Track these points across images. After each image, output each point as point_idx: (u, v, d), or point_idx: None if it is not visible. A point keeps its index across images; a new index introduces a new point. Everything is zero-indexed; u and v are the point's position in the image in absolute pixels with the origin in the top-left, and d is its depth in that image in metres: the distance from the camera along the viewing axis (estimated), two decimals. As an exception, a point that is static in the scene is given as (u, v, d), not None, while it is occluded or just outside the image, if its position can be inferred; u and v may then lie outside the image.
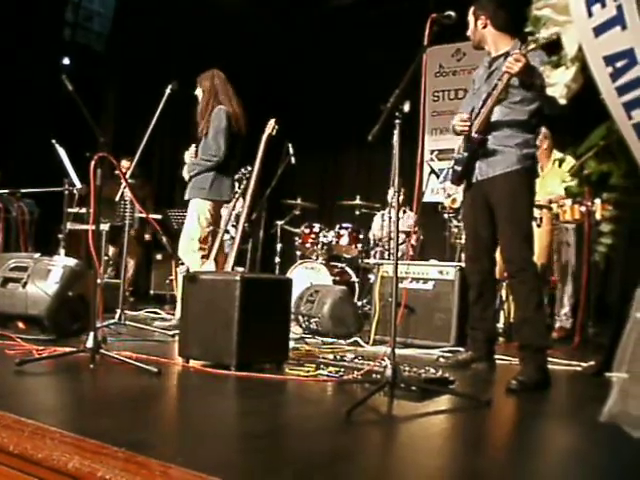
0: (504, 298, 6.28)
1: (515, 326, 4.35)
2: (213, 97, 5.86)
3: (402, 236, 7.86)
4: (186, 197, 5.89)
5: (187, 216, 5.84)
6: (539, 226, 6.21)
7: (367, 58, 10.43)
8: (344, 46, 10.68)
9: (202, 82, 5.93)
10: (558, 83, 1.96)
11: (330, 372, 3.77)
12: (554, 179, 6.53)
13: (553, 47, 2.05)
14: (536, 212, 5.90)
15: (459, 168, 4.31)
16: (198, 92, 5.94)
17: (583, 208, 5.86)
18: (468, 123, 4.19)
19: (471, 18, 4.28)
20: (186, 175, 5.90)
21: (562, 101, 1.97)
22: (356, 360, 4.07)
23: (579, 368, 4.59)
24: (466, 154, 4.23)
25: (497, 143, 4.10)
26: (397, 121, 3.39)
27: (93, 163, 3.67)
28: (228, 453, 2.26)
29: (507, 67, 3.78)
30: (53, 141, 6.34)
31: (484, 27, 4.22)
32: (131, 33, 10.65)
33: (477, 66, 4.56)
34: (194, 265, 5.53)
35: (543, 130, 6.28)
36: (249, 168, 7.48)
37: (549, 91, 2.00)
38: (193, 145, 5.95)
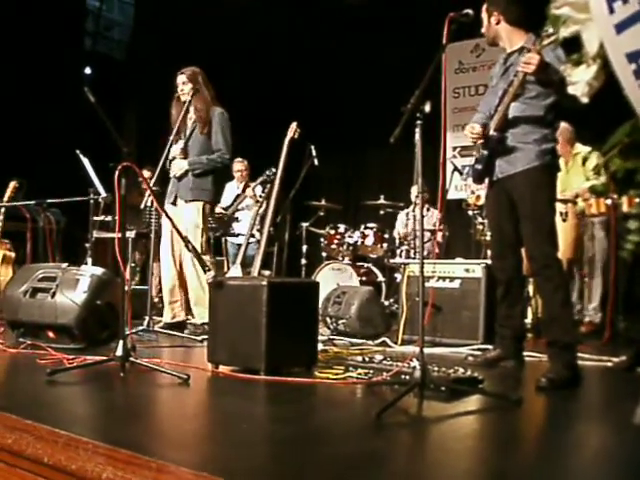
0: (531, 294, 6.23)
1: (542, 323, 4.32)
2: (209, 95, 5.85)
3: (427, 234, 7.83)
4: (187, 198, 5.79)
5: (187, 218, 5.76)
6: (565, 220, 6.16)
7: (387, 57, 10.39)
8: (364, 46, 10.66)
9: (194, 77, 5.84)
10: (580, 81, 1.94)
11: (359, 374, 3.76)
12: (578, 175, 6.48)
13: (568, 43, 2.03)
14: (561, 206, 5.85)
15: (480, 167, 4.30)
16: (186, 87, 5.82)
17: (609, 201, 5.81)
18: (478, 137, 4.20)
19: (484, 15, 4.25)
20: (177, 172, 5.83)
21: (584, 99, 1.95)
22: (385, 361, 4.06)
23: (610, 364, 4.55)
24: (486, 152, 4.21)
25: (515, 140, 4.08)
26: (418, 122, 3.38)
27: (117, 173, 3.70)
28: (260, 460, 2.25)
29: (522, 67, 3.77)
30: (77, 151, 6.40)
31: (497, 23, 4.19)
32: (151, 41, 10.72)
33: (496, 61, 4.54)
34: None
35: (563, 124, 6.23)
36: (273, 170, 7.50)
37: (570, 90, 1.98)
38: (181, 141, 5.88)
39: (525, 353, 4.56)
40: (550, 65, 3.71)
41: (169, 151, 5.77)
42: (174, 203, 5.88)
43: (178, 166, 5.82)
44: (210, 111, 5.81)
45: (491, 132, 4.13)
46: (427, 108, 3.36)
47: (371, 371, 3.83)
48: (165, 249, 5.85)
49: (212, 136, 5.82)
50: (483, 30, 4.29)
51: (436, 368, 3.67)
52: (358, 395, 3.47)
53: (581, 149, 6.64)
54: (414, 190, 7.84)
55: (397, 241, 8.34)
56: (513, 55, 4.18)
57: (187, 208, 5.79)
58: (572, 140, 6.73)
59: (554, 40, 3.25)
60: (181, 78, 5.84)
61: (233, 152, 6.00)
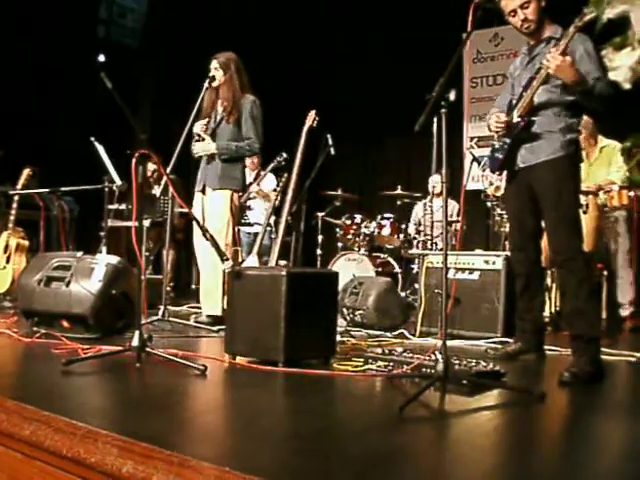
0: (549, 287, 6.16)
1: (566, 317, 4.24)
2: (239, 83, 5.71)
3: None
4: (215, 186, 5.67)
5: (214, 207, 5.66)
6: (585, 212, 6.07)
7: (405, 46, 10.29)
8: (383, 34, 10.57)
9: (226, 64, 5.70)
10: (621, 66, 1.87)
11: (379, 367, 3.71)
12: (601, 168, 6.39)
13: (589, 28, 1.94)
14: (582, 198, 5.77)
15: (501, 156, 4.21)
16: (218, 73, 5.69)
17: (632, 193, 5.73)
18: (503, 126, 4.09)
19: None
20: (201, 152, 5.72)
21: (626, 85, 1.89)
22: (405, 354, 4.00)
23: (633, 359, 4.46)
24: (508, 141, 4.12)
25: (540, 128, 4.00)
26: (443, 110, 3.30)
27: (134, 160, 3.63)
28: (282, 454, 2.21)
29: (547, 62, 3.71)
30: (92, 139, 6.34)
31: (544, 8, 4.01)
32: (165, 27, 10.65)
33: (516, 51, 4.47)
34: (216, 261, 5.44)
35: (586, 117, 6.14)
36: (284, 155, 7.42)
37: (611, 75, 1.92)
38: (204, 120, 5.74)
39: (545, 346, 4.49)
40: (580, 74, 3.68)
41: (190, 133, 5.63)
42: (203, 191, 5.78)
43: (203, 147, 5.70)
44: (239, 99, 5.68)
45: (515, 119, 4.04)
46: (452, 96, 3.30)
47: (391, 364, 3.77)
48: (198, 240, 5.71)
49: (242, 124, 5.69)
50: (531, 16, 3.99)
51: (457, 361, 3.61)
52: (378, 388, 3.41)
53: (606, 142, 6.56)
54: (431, 180, 7.76)
55: (414, 231, 8.26)
56: (539, 45, 4.07)
57: (215, 196, 5.68)
58: (595, 133, 6.65)
59: (590, 19, 3.16)
60: (213, 64, 5.71)
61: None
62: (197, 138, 5.69)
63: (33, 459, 2.25)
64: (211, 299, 5.58)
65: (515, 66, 4.32)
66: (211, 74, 5.68)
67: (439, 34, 8.18)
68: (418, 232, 8.15)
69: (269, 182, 8.40)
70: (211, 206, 5.65)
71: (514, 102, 4.15)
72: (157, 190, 7.30)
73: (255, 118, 5.66)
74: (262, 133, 5.69)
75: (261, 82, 5.99)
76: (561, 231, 3.90)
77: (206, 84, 5.62)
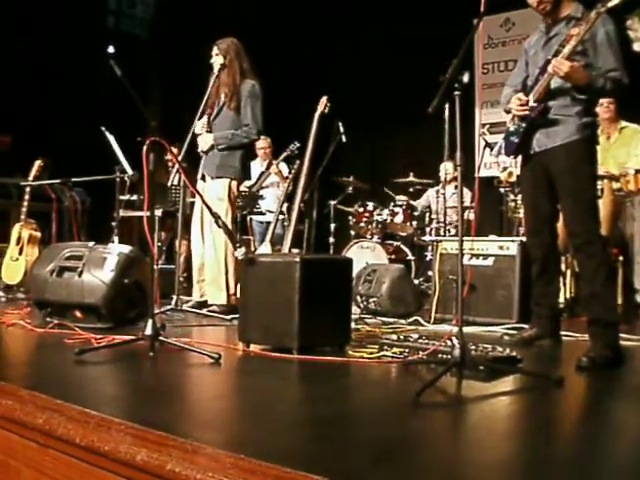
0: (564, 272, 6.11)
1: (583, 301, 4.20)
2: (239, 68, 5.67)
3: (455, 212, 7.71)
4: (213, 174, 5.67)
5: (212, 194, 5.60)
6: (600, 197, 6.01)
7: (416, 33, 10.21)
8: (394, 22, 10.49)
9: (226, 49, 5.66)
10: (646, 36, 1.82)
11: (394, 353, 3.67)
12: (621, 148, 6.33)
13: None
14: (598, 182, 5.72)
15: (516, 140, 4.15)
16: (218, 59, 5.64)
17: (649, 177, 5.66)
18: (527, 107, 4.02)
19: None
20: (204, 146, 5.69)
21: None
22: (420, 340, 3.96)
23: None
24: (524, 124, 4.07)
25: (556, 112, 3.94)
26: (457, 93, 3.25)
27: (145, 148, 3.60)
28: (298, 441, 2.19)
29: (553, 68, 3.72)
30: (102, 128, 6.32)
31: None
32: (174, 18, 10.62)
33: (527, 35, 4.38)
34: (218, 249, 5.48)
35: (607, 99, 6.07)
36: (297, 144, 7.38)
37: (636, 47, 1.86)
38: (205, 116, 5.73)
39: (561, 332, 4.45)
40: (588, 74, 3.71)
41: (195, 125, 5.64)
42: (203, 179, 5.76)
43: (204, 140, 5.68)
44: (239, 85, 5.64)
45: (531, 103, 3.99)
46: (465, 78, 3.25)
47: (406, 350, 3.74)
48: (195, 227, 5.74)
49: (241, 110, 5.67)
50: None
51: (473, 347, 3.58)
52: (394, 374, 3.39)
53: (626, 124, 6.51)
54: (443, 167, 7.71)
55: (426, 218, 8.21)
56: (558, 24, 3.99)
57: (213, 184, 5.67)
58: (616, 113, 6.57)
59: (620, 2, 3.09)
60: (214, 50, 5.69)
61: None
62: (199, 134, 5.70)
63: (47, 447, 2.23)
64: (215, 287, 5.56)
65: (530, 44, 4.23)
66: (212, 60, 5.67)
67: (451, 23, 8.13)
68: (430, 219, 8.11)
69: (281, 170, 8.36)
70: (210, 194, 5.60)
71: (530, 83, 4.09)
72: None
73: (253, 104, 5.61)
74: (261, 118, 5.64)
75: (269, 71, 5.95)
76: (578, 214, 3.86)
77: (211, 72, 5.62)
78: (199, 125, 5.68)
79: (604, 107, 6.37)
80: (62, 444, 2.17)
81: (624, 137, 6.51)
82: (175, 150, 6.39)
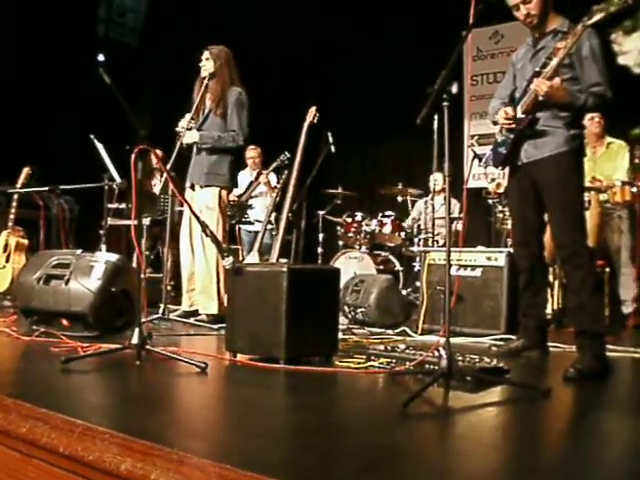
0: (551, 284, 6.12)
1: (570, 312, 4.21)
2: (228, 76, 5.68)
3: (443, 223, 7.73)
4: (202, 183, 5.65)
5: (201, 203, 5.60)
6: (587, 209, 6.04)
7: (405, 44, 10.24)
8: (383, 32, 10.51)
9: (217, 54, 5.68)
10: (632, 50, 1.84)
11: (381, 364, 3.67)
12: (607, 163, 6.36)
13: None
14: (585, 194, 5.74)
15: (504, 151, 4.17)
16: (208, 64, 5.67)
17: (634, 189, 5.69)
18: (512, 121, 4.04)
19: None
20: (188, 140, 5.66)
21: (636, 70, 1.85)
22: (407, 351, 3.96)
23: (638, 355, 4.43)
24: (512, 136, 4.09)
25: (544, 123, 3.96)
26: (445, 104, 3.26)
27: (134, 156, 3.60)
28: (284, 451, 2.18)
29: (536, 87, 3.80)
30: (91, 136, 6.31)
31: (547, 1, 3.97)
32: (165, 26, 10.62)
33: (516, 48, 4.40)
34: (209, 258, 5.47)
35: (594, 113, 6.10)
36: (287, 154, 7.38)
37: (621, 60, 1.88)
38: (187, 114, 5.73)
39: (549, 343, 4.46)
40: (568, 91, 3.79)
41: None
42: (192, 187, 5.75)
43: (190, 135, 5.66)
44: (226, 92, 5.65)
45: (519, 115, 4.00)
46: (454, 89, 3.25)
47: (394, 360, 3.73)
48: (184, 236, 5.73)
49: (227, 117, 5.67)
50: (533, 11, 3.93)
51: (461, 357, 3.58)
52: (381, 385, 3.38)
53: (613, 139, 6.56)
54: (432, 178, 7.73)
55: (414, 229, 8.23)
56: (545, 38, 4.02)
57: (202, 193, 5.66)
58: (603, 128, 6.61)
59: (605, 16, 3.12)
60: (205, 54, 5.70)
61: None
62: (182, 131, 5.68)
63: (30, 457, 2.21)
64: (206, 296, 5.55)
65: (518, 57, 4.26)
66: (201, 64, 5.69)
67: (440, 33, 8.16)
68: (419, 229, 8.13)
69: (270, 179, 8.35)
70: (199, 203, 5.59)
71: (517, 95, 4.11)
72: (158, 181, 7.22)
73: (240, 111, 5.63)
74: (247, 125, 5.65)
75: (258, 81, 5.96)
76: (566, 226, 3.87)
77: (198, 77, 5.65)
78: (183, 122, 5.70)
79: (595, 122, 6.42)
80: (46, 453, 2.14)
81: (610, 152, 6.55)
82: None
